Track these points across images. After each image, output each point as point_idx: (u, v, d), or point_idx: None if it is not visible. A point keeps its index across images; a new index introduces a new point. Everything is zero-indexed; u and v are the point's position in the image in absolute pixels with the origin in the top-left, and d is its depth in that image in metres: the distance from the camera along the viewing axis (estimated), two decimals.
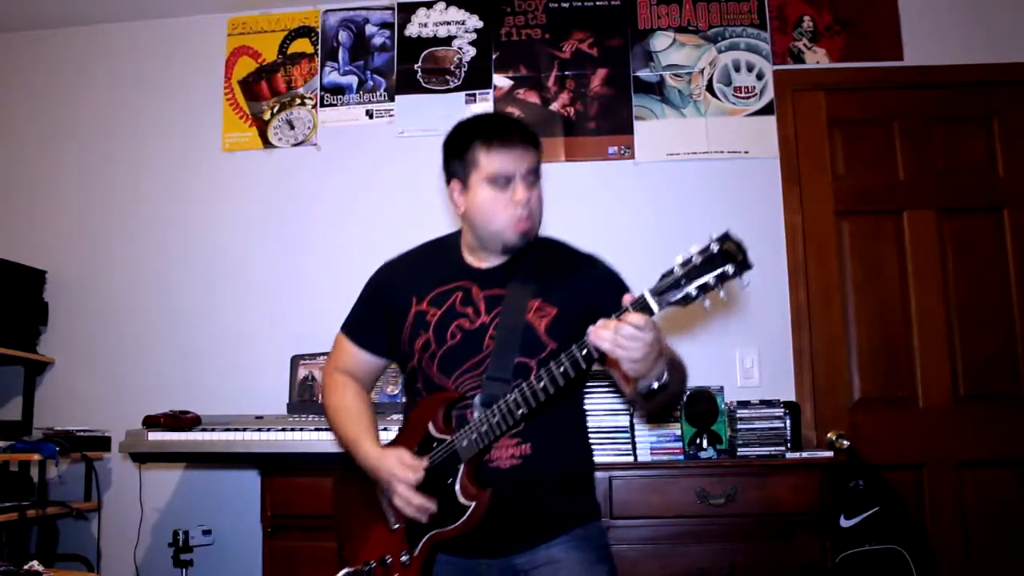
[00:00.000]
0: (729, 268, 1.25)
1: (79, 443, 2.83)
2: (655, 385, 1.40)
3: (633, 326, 1.28)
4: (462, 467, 1.50)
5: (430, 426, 1.55)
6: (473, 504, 1.49)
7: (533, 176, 1.56)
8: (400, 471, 1.53)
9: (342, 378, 1.76)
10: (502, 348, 1.53)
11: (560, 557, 1.52)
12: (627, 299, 1.32)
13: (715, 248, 1.26)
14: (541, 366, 1.48)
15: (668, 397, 1.51)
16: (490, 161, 1.53)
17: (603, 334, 1.30)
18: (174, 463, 2.98)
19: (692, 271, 1.26)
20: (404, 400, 1.75)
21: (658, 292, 1.29)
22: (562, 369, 1.40)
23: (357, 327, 1.76)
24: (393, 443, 1.63)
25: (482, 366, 1.54)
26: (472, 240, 1.63)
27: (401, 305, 1.64)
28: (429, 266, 1.68)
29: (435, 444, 1.54)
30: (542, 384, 1.42)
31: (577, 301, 1.57)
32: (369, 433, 1.64)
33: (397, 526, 1.58)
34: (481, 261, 1.64)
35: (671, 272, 1.28)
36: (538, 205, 1.58)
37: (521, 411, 1.44)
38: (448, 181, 1.63)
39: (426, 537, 1.54)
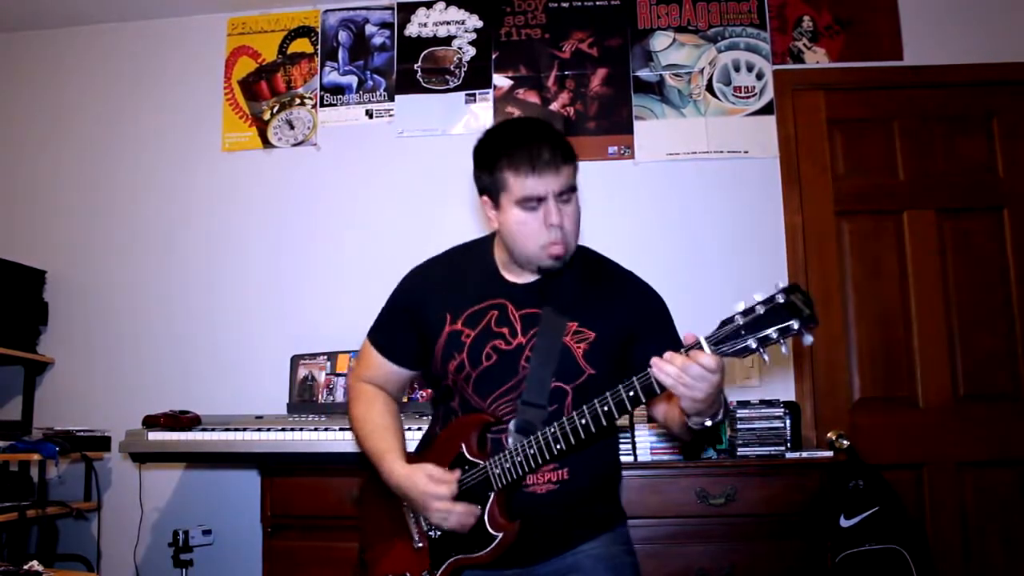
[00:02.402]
0: (794, 323, 1.17)
1: (79, 443, 2.83)
2: (709, 423, 1.35)
3: (703, 367, 1.22)
4: (492, 495, 1.47)
5: (463, 448, 1.52)
6: (500, 535, 1.47)
7: (567, 193, 1.47)
8: (432, 487, 1.49)
9: (370, 390, 1.69)
10: (538, 372, 1.48)
11: (582, 564, 1.51)
12: (688, 338, 1.26)
13: (780, 299, 1.18)
14: (577, 392, 1.45)
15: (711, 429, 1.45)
16: (518, 184, 1.45)
17: (668, 369, 1.24)
18: (174, 463, 2.98)
19: (753, 322, 1.19)
20: (433, 413, 1.70)
21: (716, 341, 1.22)
22: (605, 408, 1.35)
23: (385, 338, 1.67)
24: (419, 458, 1.60)
25: (518, 389, 1.50)
26: (506, 255, 1.57)
27: (433, 321, 1.58)
28: (463, 279, 1.61)
29: (467, 467, 1.51)
30: (583, 422, 1.37)
31: (617, 327, 1.52)
32: (396, 450, 1.59)
33: (420, 545, 1.57)
34: (517, 275, 1.57)
35: (731, 320, 1.22)
36: (573, 225, 1.49)
37: (559, 447, 1.40)
38: (480, 194, 1.55)
39: (449, 561, 1.52)
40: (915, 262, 2.93)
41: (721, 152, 3.02)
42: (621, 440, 2.49)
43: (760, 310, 1.19)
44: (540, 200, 1.45)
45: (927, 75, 3.00)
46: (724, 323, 1.22)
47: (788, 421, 2.53)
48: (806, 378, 2.87)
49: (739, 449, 2.48)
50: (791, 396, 2.83)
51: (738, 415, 2.50)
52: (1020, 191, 2.95)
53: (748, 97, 3.05)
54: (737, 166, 3.01)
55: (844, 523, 2.46)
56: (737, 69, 3.07)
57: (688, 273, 2.90)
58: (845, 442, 2.63)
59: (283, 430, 2.43)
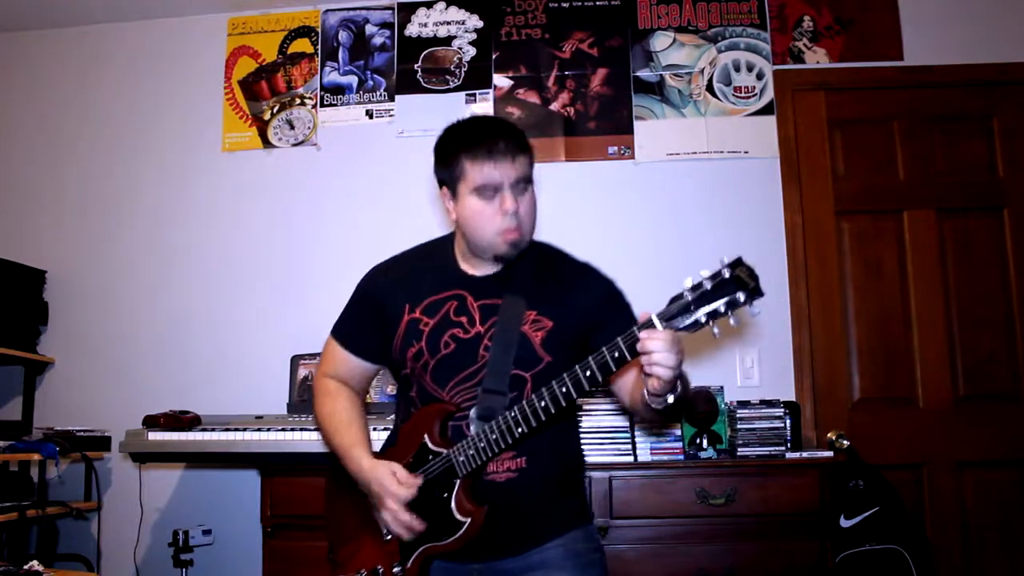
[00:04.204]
0: (740, 295, 1.22)
1: (79, 443, 2.83)
2: (671, 399, 1.38)
3: (662, 342, 1.27)
4: (458, 482, 1.49)
5: (426, 438, 1.54)
6: (468, 520, 1.48)
7: (523, 183, 1.51)
8: (393, 485, 1.51)
9: (334, 384, 1.72)
10: (497, 360, 1.51)
11: (550, 561, 1.52)
12: (641, 317, 1.30)
13: (727, 273, 1.23)
14: (536, 379, 1.47)
15: (676, 404, 1.48)
16: (476, 172, 1.50)
17: (651, 345, 1.28)
18: (174, 463, 2.98)
19: (702, 296, 1.24)
20: (396, 406, 1.72)
21: (667, 317, 1.27)
22: (564, 389, 1.39)
23: (348, 332, 1.71)
24: (384, 455, 1.61)
25: (477, 377, 1.52)
26: (465, 247, 1.61)
27: (393, 312, 1.61)
28: (422, 272, 1.65)
29: (431, 457, 1.53)
30: (543, 404, 1.40)
31: (573, 315, 1.55)
32: (362, 443, 1.61)
33: (389, 537, 1.57)
34: (475, 268, 1.61)
35: (680, 296, 1.26)
36: (529, 213, 1.53)
37: (520, 430, 1.43)
38: (440, 186, 1.62)
39: (419, 550, 1.53)
40: (915, 262, 2.94)
41: (721, 152, 3.02)
42: (621, 439, 2.50)
43: (707, 285, 1.24)
44: (496, 189, 1.49)
45: (927, 75, 3.00)
46: (674, 299, 1.27)
47: (788, 421, 2.53)
48: (806, 378, 2.87)
49: (739, 449, 2.48)
50: (791, 396, 2.83)
51: (738, 415, 2.50)
52: (1020, 191, 2.95)
53: (748, 97, 3.05)
54: (737, 166, 3.01)
55: (844, 523, 2.47)
56: (737, 69, 3.07)
57: (687, 274, 2.90)
58: (845, 442, 2.63)
59: (283, 430, 2.44)
